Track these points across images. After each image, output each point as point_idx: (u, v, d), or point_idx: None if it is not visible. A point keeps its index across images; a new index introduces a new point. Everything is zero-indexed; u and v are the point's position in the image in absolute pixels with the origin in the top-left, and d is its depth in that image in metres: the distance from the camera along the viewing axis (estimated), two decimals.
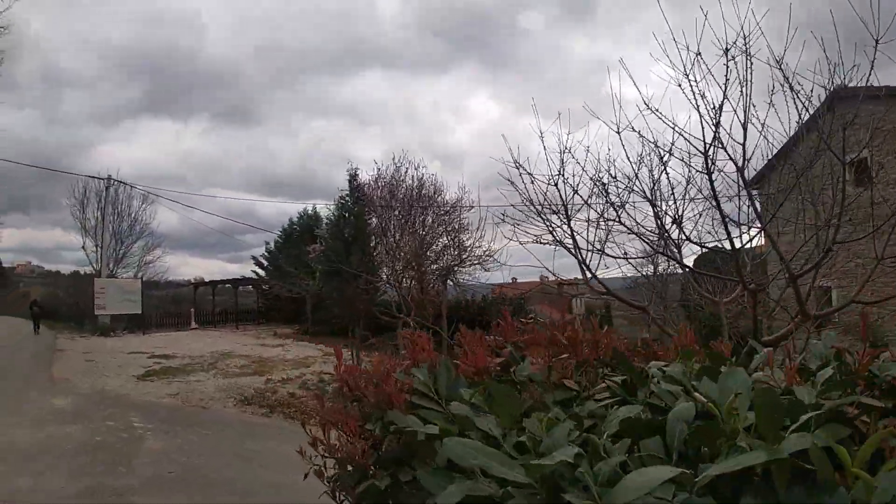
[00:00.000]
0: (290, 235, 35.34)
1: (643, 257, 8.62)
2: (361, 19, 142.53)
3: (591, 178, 5.60)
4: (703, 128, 4.42)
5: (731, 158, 4.53)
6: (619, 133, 5.12)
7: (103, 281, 29.11)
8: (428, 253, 21.11)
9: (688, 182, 5.33)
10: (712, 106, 4.37)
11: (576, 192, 5.66)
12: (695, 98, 4.43)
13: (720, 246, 5.86)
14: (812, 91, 4.43)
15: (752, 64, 4.29)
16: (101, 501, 7.26)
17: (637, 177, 5.39)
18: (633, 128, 5.08)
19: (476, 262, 21.24)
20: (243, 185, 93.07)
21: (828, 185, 4.92)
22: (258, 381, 15.60)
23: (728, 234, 4.95)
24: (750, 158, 4.51)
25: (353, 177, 19.07)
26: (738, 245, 5.04)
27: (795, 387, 1.60)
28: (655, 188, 5.42)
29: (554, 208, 5.75)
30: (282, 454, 11.16)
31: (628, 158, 5.34)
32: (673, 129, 4.72)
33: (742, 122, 4.35)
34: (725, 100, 4.31)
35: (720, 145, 4.47)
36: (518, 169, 5.85)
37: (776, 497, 1.21)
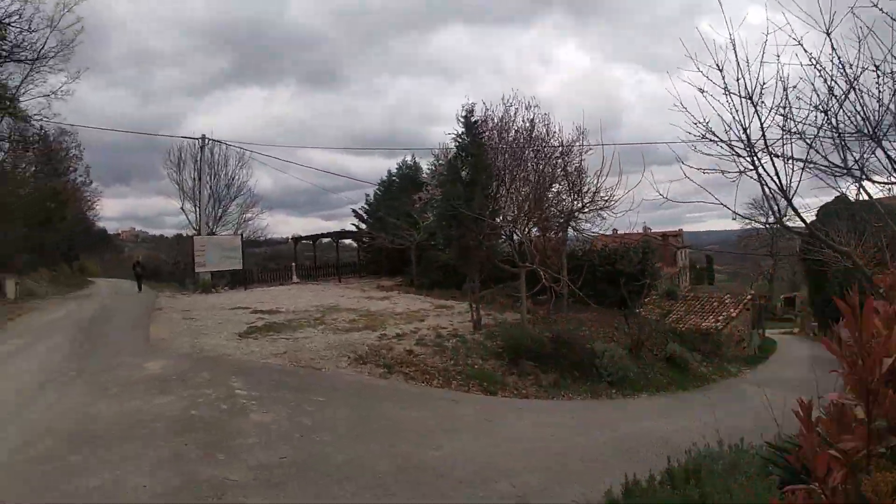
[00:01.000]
0: (390, 187, 33.60)
1: None
2: None
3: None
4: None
5: None
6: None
7: (203, 238, 28.36)
8: (548, 195, 18.45)
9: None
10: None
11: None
12: None
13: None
14: None
15: None
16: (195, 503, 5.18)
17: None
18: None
19: (599, 207, 18.35)
20: (334, 145, 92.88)
21: None
22: (371, 337, 13.50)
23: None
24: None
25: (469, 113, 16.30)
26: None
27: None
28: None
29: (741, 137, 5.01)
30: (417, 423, 8.70)
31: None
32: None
33: None
34: None
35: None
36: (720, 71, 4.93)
37: None
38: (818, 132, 4.85)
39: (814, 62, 4.68)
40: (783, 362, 23.00)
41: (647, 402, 13.00)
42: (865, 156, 4.89)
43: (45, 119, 21.50)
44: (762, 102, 4.93)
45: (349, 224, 36.41)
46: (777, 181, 4.97)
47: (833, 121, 4.80)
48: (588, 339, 15.49)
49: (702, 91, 5.09)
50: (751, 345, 24.08)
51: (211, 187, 34.99)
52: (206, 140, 31.20)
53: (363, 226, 35.19)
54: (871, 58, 4.47)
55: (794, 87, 4.89)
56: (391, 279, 29.74)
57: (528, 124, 19.50)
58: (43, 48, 19.57)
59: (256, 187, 47.39)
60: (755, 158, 5.03)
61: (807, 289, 38.78)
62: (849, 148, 4.85)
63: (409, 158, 34.39)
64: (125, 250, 60.30)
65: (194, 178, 33.86)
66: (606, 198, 17.96)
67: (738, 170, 5.24)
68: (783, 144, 4.97)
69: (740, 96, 4.94)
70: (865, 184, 5.03)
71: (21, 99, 20.37)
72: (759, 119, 4.95)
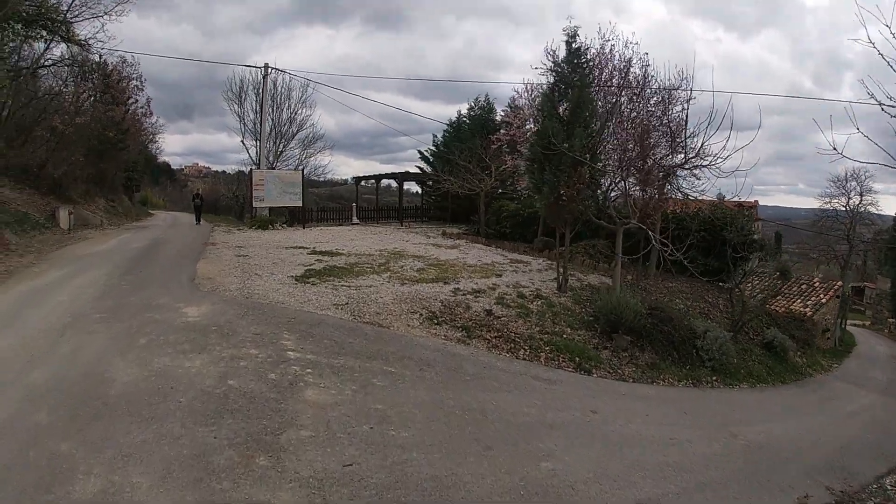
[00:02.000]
0: (460, 129, 31.15)
1: None
2: None
3: None
4: None
5: None
6: None
7: (262, 172, 26.79)
8: (651, 142, 15.71)
9: None
10: None
11: None
12: None
13: None
14: None
15: None
16: None
17: None
18: None
19: (703, 164, 15.45)
20: (397, 88, 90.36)
21: None
22: (444, 292, 11.52)
23: None
24: None
25: (571, 37, 13.44)
26: None
27: None
28: None
29: None
30: (513, 414, 6.42)
31: None
32: None
33: None
34: None
35: None
36: None
37: None
38: None
39: None
40: (866, 359, 20.52)
41: (750, 397, 10.91)
42: None
43: (100, 42, 19.95)
44: None
45: (411, 168, 34.47)
46: None
47: None
48: (684, 314, 13.20)
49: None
50: (833, 336, 21.16)
51: (273, 120, 33.29)
52: (269, 69, 29.38)
53: (428, 168, 33.11)
54: None
55: None
56: (456, 226, 27.74)
57: (624, 64, 16.82)
58: None
59: (318, 126, 46.06)
60: None
61: (889, 282, 35.23)
62: None
63: (483, 98, 31.87)
64: (188, 184, 60.50)
65: (256, 111, 32.25)
66: (710, 154, 15.01)
67: None
68: None
69: None
70: None
71: (75, 21, 18.94)
72: None
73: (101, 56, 23.89)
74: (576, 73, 13.71)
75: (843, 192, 39.50)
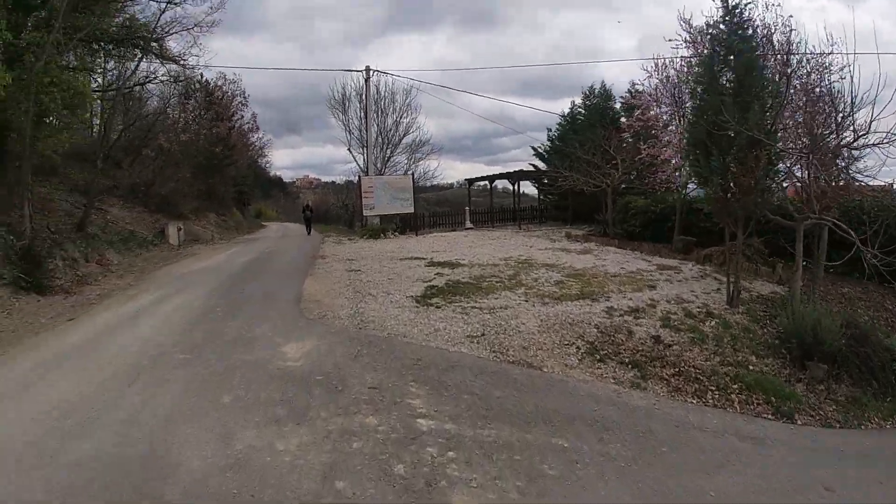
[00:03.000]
0: (574, 121, 28.46)
1: None
2: None
3: None
4: None
5: None
6: None
7: (371, 179, 25.68)
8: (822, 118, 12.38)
9: None
10: None
11: None
12: None
13: None
14: None
15: None
16: None
17: None
18: None
19: (874, 141, 11.82)
20: (494, 88, 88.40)
21: None
22: (595, 312, 9.12)
23: None
24: None
25: None
26: None
27: None
28: None
29: None
30: None
31: None
32: None
33: None
34: None
35: None
36: None
37: None
38: None
39: None
40: None
41: None
42: None
43: (193, 57, 19.42)
44: None
45: (524, 167, 32.14)
46: None
47: None
48: (872, 329, 9.89)
49: None
50: None
51: (378, 126, 32.77)
52: (371, 71, 28.37)
53: (543, 166, 30.60)
54: None
55: None
56: (577, 227, 25.05)
57: (765, 30, 13.60)
58: None
59: (423, 129, 45.38)
60: None
61: None
62: None
63: (598, 86, 28.94)
64: (300, 196, 62.43)
65: (360, 118, 31.72)
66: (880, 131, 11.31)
67: None
68: None
69: None
70: None
71: (166, 36, 18.49)
72: None
73: (201, 74, 23.90)
74: (735, 36, 10.81)
75: None
